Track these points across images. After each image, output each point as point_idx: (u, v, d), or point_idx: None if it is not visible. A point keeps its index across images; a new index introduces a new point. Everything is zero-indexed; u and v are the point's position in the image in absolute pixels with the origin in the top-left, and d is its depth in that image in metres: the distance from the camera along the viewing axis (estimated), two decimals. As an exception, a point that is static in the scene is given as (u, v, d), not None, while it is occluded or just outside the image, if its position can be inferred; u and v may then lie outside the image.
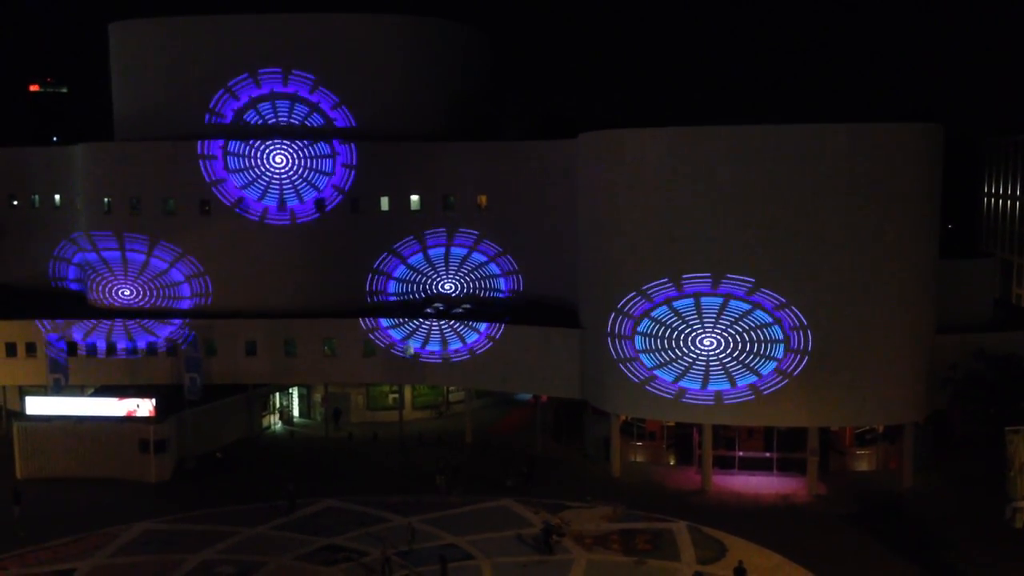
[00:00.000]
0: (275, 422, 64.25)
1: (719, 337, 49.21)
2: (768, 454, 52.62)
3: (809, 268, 48.27)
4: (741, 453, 52.85)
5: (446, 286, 64.51)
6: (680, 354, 49.97)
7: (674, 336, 49.96)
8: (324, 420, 63.10)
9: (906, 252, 48.96)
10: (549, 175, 61.43)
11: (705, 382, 49.68)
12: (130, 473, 53.34)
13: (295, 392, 65.67)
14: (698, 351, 49.70)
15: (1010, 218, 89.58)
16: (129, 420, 53.70)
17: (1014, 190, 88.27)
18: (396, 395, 64.24)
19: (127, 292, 62.60)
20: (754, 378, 49.15)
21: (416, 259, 64.04)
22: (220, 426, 58.95)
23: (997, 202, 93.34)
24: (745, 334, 48.90)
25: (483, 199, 64.03)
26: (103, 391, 58.56)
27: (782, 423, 50.57)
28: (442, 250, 64.34)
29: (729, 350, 49.19)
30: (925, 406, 51.08)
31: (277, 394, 64.64)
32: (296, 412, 65.60)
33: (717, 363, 49.51)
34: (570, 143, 58.17)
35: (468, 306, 62.71)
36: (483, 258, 64.23)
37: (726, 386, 49.50)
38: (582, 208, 55.87)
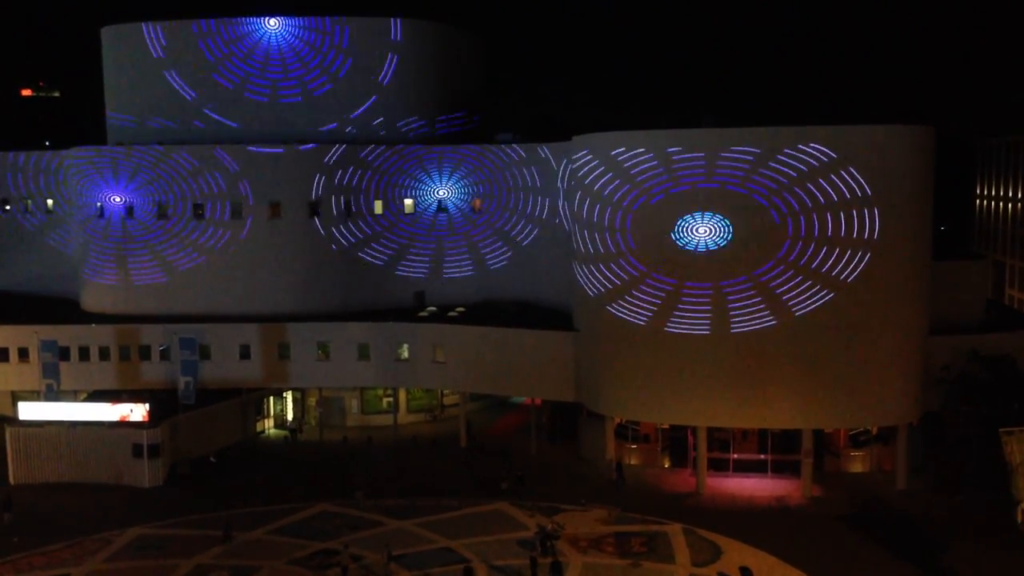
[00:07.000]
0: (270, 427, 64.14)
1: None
2: (762, 456, 52.64)
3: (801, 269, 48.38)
4: (735, 455, 52.86)
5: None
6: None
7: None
8: (318, 424, 62.96)
9: (899, 253, 49.02)
10: (543, 177, 61.51)
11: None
12: (124, 478, 53.20)
13: (289, 396, 65.49)
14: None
15: (1002, 219, 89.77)
16: (122, 425, 53.54)
17: (1007, 191, 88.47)
18: (391, 398, 64.12)
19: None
20: None
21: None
22: (214, 430, 58.80)
23: (990, 203, 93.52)
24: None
25: (477, 202, 64.20)
26: (96, 396, 58.36)
27: (776, 425, 50.61)
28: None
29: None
30: (918, 407, 51.14)
31: (271, 398, 64.54)
32: (289, 416, 65.29)
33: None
34: (564, 145, 58.21)
35: (462, 309, 62.67)
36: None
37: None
38: (575, 210, 55.83)
